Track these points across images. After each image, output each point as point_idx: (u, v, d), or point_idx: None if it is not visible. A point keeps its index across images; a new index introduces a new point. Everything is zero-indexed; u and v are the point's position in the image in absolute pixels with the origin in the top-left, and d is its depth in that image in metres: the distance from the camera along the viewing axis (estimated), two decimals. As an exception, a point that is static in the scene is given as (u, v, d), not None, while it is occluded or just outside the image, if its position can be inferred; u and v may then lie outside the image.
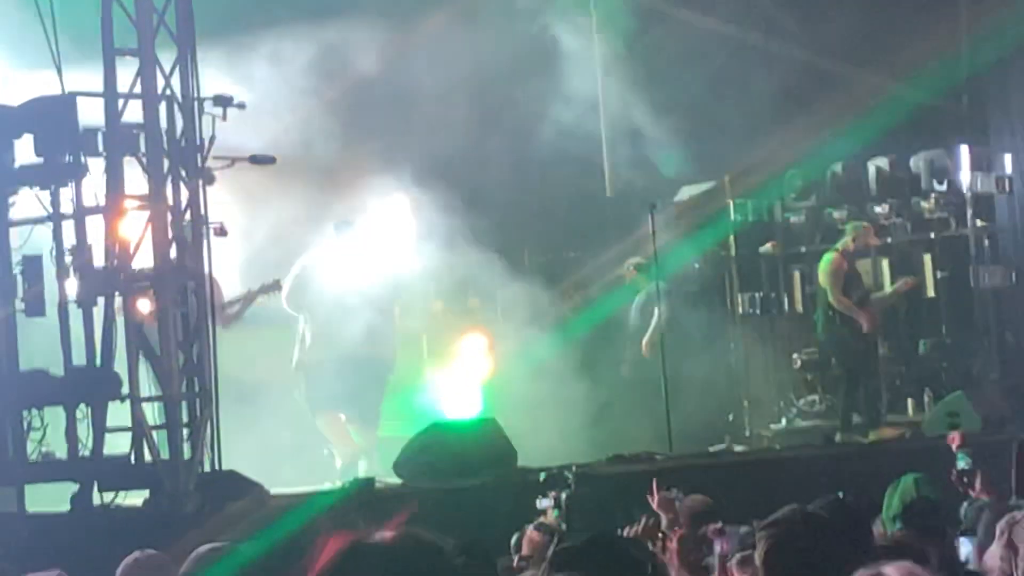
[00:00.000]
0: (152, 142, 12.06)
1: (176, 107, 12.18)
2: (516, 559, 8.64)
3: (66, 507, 11.84)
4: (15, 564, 9.69)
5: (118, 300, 12.08)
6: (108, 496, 11.80)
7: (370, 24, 16.60)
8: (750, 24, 18.02)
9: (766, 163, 17.76)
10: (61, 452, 12.21)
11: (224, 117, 12.38)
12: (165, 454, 11.90)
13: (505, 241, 16.82)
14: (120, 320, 12.09)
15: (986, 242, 16.95)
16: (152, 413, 12.20)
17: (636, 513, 8.51)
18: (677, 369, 15.95)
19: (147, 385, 12.28)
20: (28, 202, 12.42)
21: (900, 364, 17.26)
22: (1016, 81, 17.14)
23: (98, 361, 12.00)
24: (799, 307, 17.85)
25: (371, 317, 15.52)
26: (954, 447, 9.46)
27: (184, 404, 12.04)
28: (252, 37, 15.86)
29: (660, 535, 8.31)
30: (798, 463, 14.21)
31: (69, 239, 12.10)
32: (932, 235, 17.14)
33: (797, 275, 17.92)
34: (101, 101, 12.11)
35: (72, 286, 12.09)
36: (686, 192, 18.02)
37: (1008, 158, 17.08)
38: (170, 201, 12.14)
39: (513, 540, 9.07)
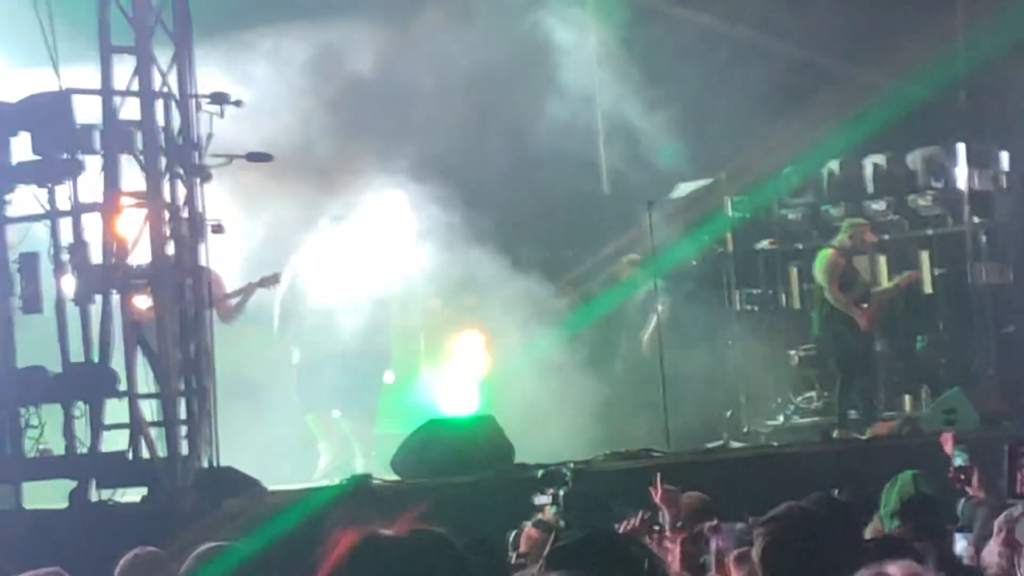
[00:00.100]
0: (149, 139, 12.07)
1: (173, 104, 12.19)
2: (514, 556, 8.64)
3: (64, 504, 11.84)
4: (13, 561, 9.68)
5: (115, 298, 12.09)
6: (106, 493, 11.81)
7: (366, 22, 16.61)
8: (747, 21, 18.01)
9: (763, 160, 17.75)
10: (59, 449, 12.22)
11: (221, 115, 12.38)
12: (163, 451, 11.91)
13: (502, 239, 16.81)
14: (118, 317, 12.09)
15: (983, 239, 16.96)
16: (150, 410, 12.20)
17: (634, 510, 8.51)
18: (675, 366, 15.96)
19: (145, 382, 12.28)
20: (25, 199, 12.42)
21: (897, 360, 17.26)
22: (1013, 78, 17.14)
23: (96, 358, 12.00)
24: (796, 304, 17.84)
25: (365, 312, 15.55)
26: (946, 448, 9.47)
27: (182, 401, 12.05)
28: (249, 35, 15.88)
29: (656, 529, 8.31)
30: (796, 460, 14.21)
31: (66, 236, 12.10)
32: (929, 232, 17.14)
33: (794, 272, 17.91)
34: (98, 98, 12.12)
35: (69, 283, 12.10)
36: (683, 189, 18.02)
37: (1005, 155, 17.09)
38: (167, 199, 12.15)
39: (511, 537, 9.07)
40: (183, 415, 12.02)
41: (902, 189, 17.28)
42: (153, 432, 11.91)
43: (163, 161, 12.14)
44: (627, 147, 17.93)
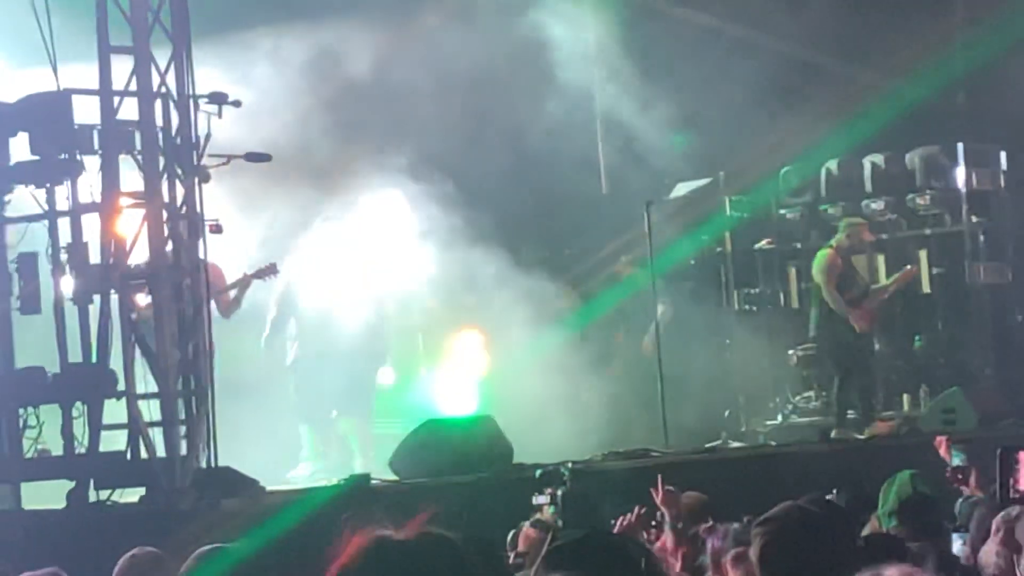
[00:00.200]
0: (148, 139, 12.07)
1: (171, 104, 12.19)
2: (512, 556, 8.64)
3: (62, 504, 11.84)
4: (12, 561, 9.69)
5: (114, 298, 12.08)
6: (104, 493, 11.80)
7: (364, 22, 16.60)
8: (746, 20, 18.01)
9: (762, 160, 17.76)
10: (57, 449, 12.22)
11: (219, 115, 12.38)
12: (161, 451, 11.90)
13: (501, 238, 16.82)
14: (116, 317, 12.09)
15: (982, 238, 16.96)
16: (148, 410, 12.20)
17: (624, 510, 8.52)
18: (673, 365, 15.96)
19: (143, 382, 12.27)
20: (24, 200, 12.42)
21: (896, 360, 17.27)
22: (1012, 77, 17.14)
23: (94, 358, 12.00)
24: (795, 303, 17.84)
25: (363, 312, 15.56)
26: (941, 451, 9.47)
27: (180, 401, 12.05)
28: (248, 35, 15.88)
29: (653, 524, 8.31)
30: (794, 459, 14.21)
31: (65, 237, 12.09)
32: (928, 231, 17.15)
33: (793, 271, 17.91)
34: (97, 98, 12.11)
35: (68, 283, 12.09)
36: (682, 189, 18.02)
37: (1003, 155, 17.10)
38: (166, 198, 12.15)
39: (509, 537, 9.08)
40: (182, 415, 12.02)
41: (901, 189, 17.28)
42: (152, 432, 11.91)
43: (161, 161, 12.14)
44: (626, 147, 17.93)
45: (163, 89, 12.14)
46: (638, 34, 17.95)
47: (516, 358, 16.56)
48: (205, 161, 12.46)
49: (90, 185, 12.04)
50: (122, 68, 12.09)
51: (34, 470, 12.20)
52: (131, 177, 12.16)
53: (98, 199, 12.00)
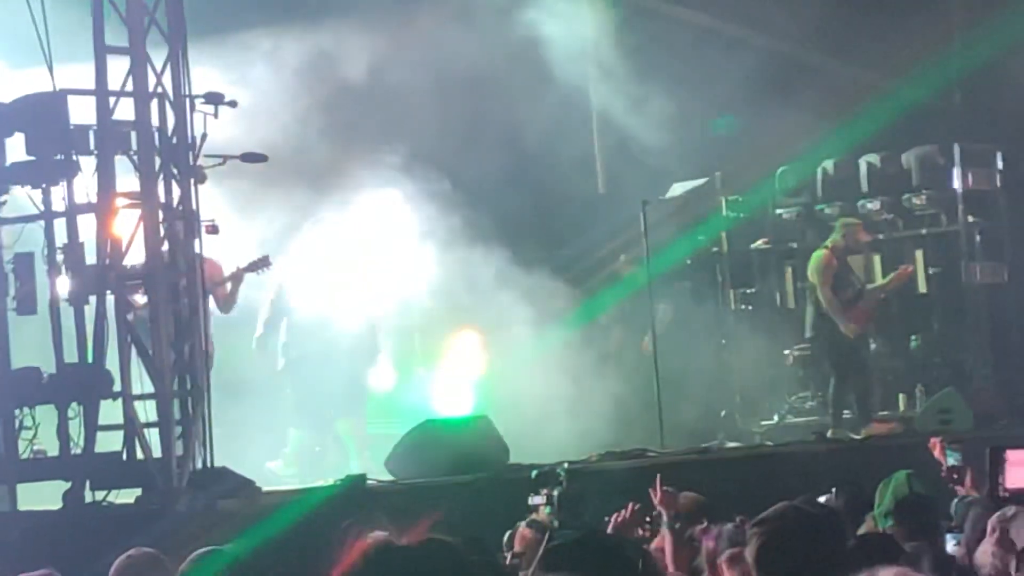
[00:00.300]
0: (144, 140, 12.06)
1: (167, 105, 12.18)
2: (508, 556, 8.64)
3: (58, 505, 11.83)
4: (7, 562, 9.70)
5: (110, 298, 12.07)
6: (100, 494, 11.79)
7: (361, 23, 16.60)
8: (742, 20, 18.02)
9: (758, 160, 17.76)
10: (53, 450, 12.20)
11: (216, 115, 12.37)
12: (157, 452, 11.89)
13: (498, 238, 16.81)
14: (112, 317, 12.08)
15: (978, 238, 16.97)
16: (144, 411, 12.19)
17: (611, 511, 8.53)
18: (670, 365, 15.96)
19: (139, 383, 12.26)
20: (20, 200, 12.41)
21: (892, 360, 17.28)
22: (1008, 78, 17.15)
23: (90, 359, 11.99)
24: (791, 303, 17.85)
25: (359, 312, 15.55)
26: (935, 453, 9.47)
27: (176, 401, 12.04)
28: (246, 36, 15.87)
29: (648, 521, 8.31)
30: (790, 459, 14.21)
31: (61, 237, 12.08)
32: (924, 231, 17.16)
33: (789, 271, 17.92)
34: (92, 99, 12.10)
35: (64, 284, 12.07)
36: (678, 189, 18.02)
37: (1000, 155, 17.10)
38: (162, 199, 12.14)
39: (505, 537, 9.07)
40: (178, 416, 12.01)
41: (897, 189, 17.29)
42: (147, 433, 11.90)
43: (157, 161, 12.13)
44: (622, 147, 17.93)
45: (159, 89, 12.13)
46: (634, 33, 17.95)
47: (514, 358, 16.55)
48: (201, 161, 12.45)
49: (86, 185, 12.02)
50: (118, 68, 12.08)
51: (30, 471, 12.18)
52: (127, 178, 12.15)
53: (94, 199, 11.99)
